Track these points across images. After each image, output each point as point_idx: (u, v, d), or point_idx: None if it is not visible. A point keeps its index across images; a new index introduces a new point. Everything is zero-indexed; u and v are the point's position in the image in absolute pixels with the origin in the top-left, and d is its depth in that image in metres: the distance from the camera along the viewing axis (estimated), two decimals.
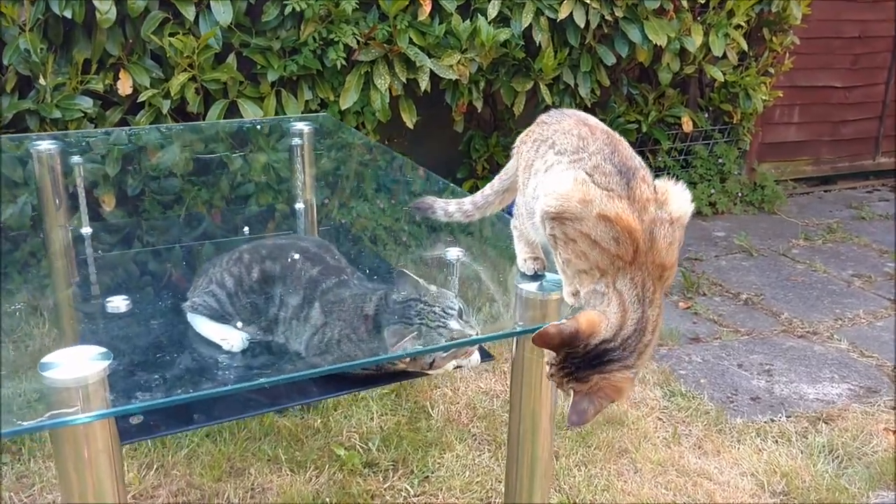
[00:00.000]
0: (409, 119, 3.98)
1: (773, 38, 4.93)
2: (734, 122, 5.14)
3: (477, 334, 1.56)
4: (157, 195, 3.45)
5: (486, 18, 3.91)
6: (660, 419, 2.93)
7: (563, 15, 4.05)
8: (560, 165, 1.37)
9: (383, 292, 1.60)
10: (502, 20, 4.01)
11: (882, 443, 2.81)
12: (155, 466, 2.56)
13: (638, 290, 1.30)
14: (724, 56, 4.63)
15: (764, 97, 4.94)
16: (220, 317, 1.69)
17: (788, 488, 2.57)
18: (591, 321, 1.32)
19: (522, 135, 1.55)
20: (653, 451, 2.72)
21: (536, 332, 1.31)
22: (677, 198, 1.35)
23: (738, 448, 2.77)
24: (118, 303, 1.58)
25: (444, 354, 1.57)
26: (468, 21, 3.91)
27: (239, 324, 1.67)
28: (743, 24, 4.61)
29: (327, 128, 2.95)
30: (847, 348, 3.55)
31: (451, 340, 1.50)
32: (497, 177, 1.68)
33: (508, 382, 3.06)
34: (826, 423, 2.95)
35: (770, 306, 3.96)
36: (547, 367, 1.36)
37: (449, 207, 1.73)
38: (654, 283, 1.31)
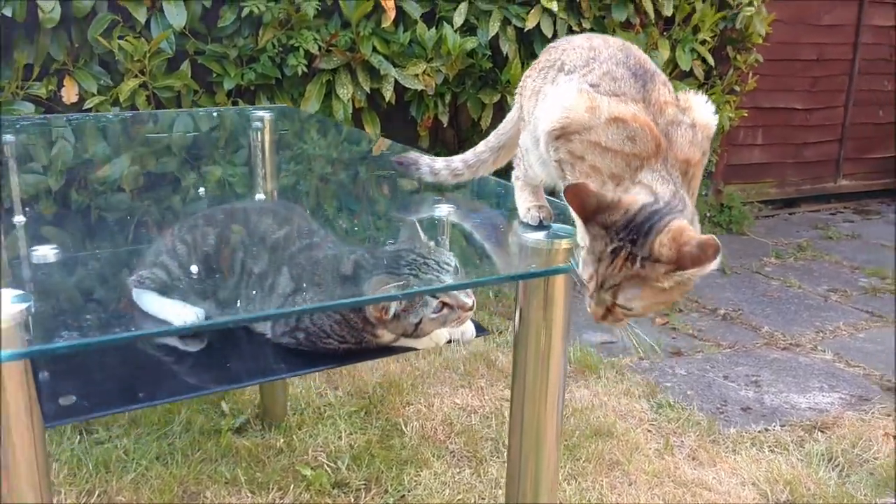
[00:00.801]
0: (373, 132, 3.81)
1: (738, 57, 4.91)
2: None
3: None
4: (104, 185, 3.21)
5: (452, 27, 3.78)
6: (649, 430, 2.75)
7: (530, 25, 3.94)
8: (570, 84, 1.20)
9: (364, 251, 1.40)
10: (469, 29, 3.89)
11: (883, 448, 2.66)
12: (97, 493, 2.28)
13: (665, 175, 1.13)
14: (691, 72, 4.57)
15: (730, 115, 4.89)
16: (171, 290, 1.46)
17: (793, 497, 2.39)
18: (628, 198, 1.13)
19: (526, 71, 1.38)
20: (646, 462, 2.53)
21: (571, 184, 1.12)
22: (700, 107, 1.20)
23: (735, 458, 2.59)
24: (45, 252, 1.32)
25: (433, 315, 1.37)
26: (434, 29, 3.78)
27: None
28: (708, 39, 4.57)
29: (289, 115, 2.75)
30: (832, 359, 3.43)
31: (443, 299, 1.31)
32: (493, 132, 1.50)
33: (486, 398, 2.85)
34: (822, 431, 2.80)
35: (749, 321, 3.83)
36: (589, 288, 1.14)
37: (436, 164, 1.54)
38: (681, 177, 1.14)
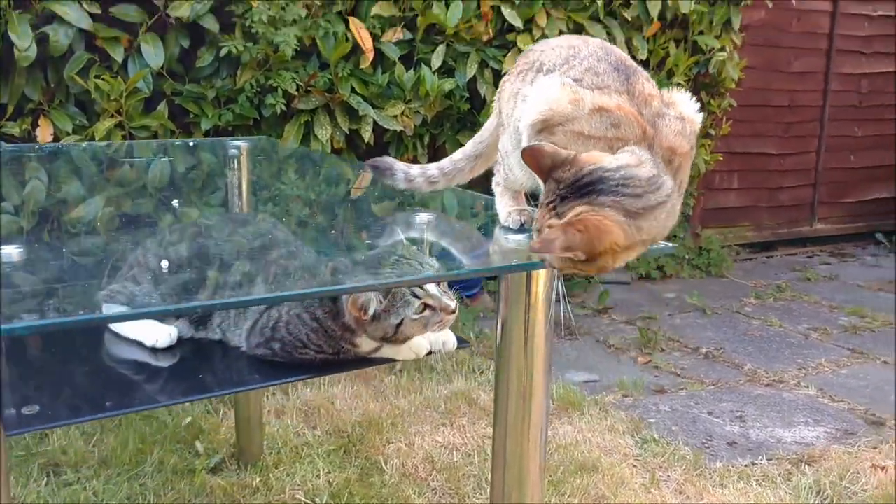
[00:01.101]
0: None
1: (712, 101, 4.99)
2: None
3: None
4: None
5: (431, 69, 3.81)
6: (634, 465, 2.69)
7: (507, 67, 3.99)
8: (552, 79, 1.19)
9: (342, 258, 1.36)
10: (447, 71, 3.93)
11: (871, 480, 2.62)
12: None
13: (645, 156, 1.11)
14: None
15: (706, 158, 4.95)
16: (143, 306, 1.41)
17: None
18: (592, 155, 1.10)
19: (505, 76, 1.38)
20: (632, 496, 2.47)
21: (528, 146, 1.13)
22: (685, 103, 1.19)
23: (722, 491, 2.54)
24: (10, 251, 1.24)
25: (415, 316, 1.33)
26: (412, 71, 3.81)
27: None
28: (683, 83, 4.64)
29: (266, 146, 2.74)
30: (816, 394, 3.40)
31: (425, 300, 1.27)
32: (470, 140, 1.48)
33: (468, 436, 2.79)
34: (809, 464, 2.76)
35: (731, 359, 3.81)
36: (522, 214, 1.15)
37: (411, 171, 1.51)
38: (666, 165, 1.13)
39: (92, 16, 3.26)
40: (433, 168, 1.50)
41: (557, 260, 1.09)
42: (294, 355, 1.36)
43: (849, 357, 3.86)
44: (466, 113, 4.03)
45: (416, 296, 1.33)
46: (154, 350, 1.33)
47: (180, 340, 1.40)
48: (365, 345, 1.38)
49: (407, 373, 3.32)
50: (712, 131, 5.07)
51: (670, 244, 1.31)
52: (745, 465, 2.74)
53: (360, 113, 3.70)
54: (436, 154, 4.36)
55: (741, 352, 3.90)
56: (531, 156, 1.10)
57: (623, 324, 4.25)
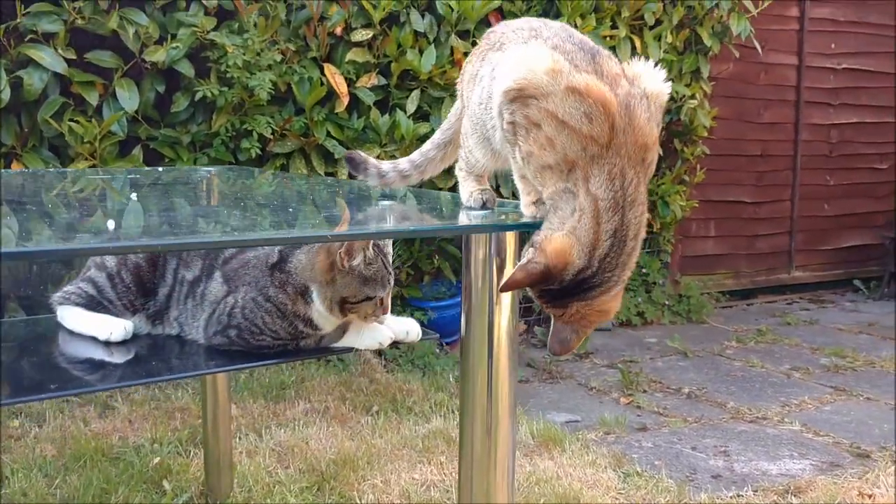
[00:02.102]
0: None
1: (685, 149, 5.06)
2: (654, 230, 5.14)
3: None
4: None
5: (406, 113, 3.85)
6: (617, 498, 2.62)
7: None
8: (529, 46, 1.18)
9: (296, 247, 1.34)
10: (421, 116, 3.97)
11: None
12: None
13: (616, 187, 1.10)
14: None
15: (682, 203, 4.99)
16: (98, 305, 1.37)
17: None
18: (559, 251, 1.11)
19: (466, 59, 1.38)
20: None
21: (503, 283, 1.17)
22: (649, 76, 1.18)
23: None
24: None
25: (380, 299, 1.30)
26: (387, 115, 3.85)
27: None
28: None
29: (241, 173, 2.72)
30: (800, 429, 3.35)
31: (382, 298, 1.25)
32: (438, 129, 1.47)
33: (447, 472, 2.72)
34: (795, 495, 2.69)
35: (714, 398, 3.76)
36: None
37: (382, 166, 1.50)
38: (636, 174, 1.11)
39: (67, 61, 3.28)
40: (404, 162, 1.49)
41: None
42: (251, 342, 1.31)
43: (832, 394, 3.82)
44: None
45: (388, 284, 1.32)
46: (108, 345, 1.29)
47: (137, 337, 1.36)
48: (321, 322, 1.34)
49: (384, 413, 3.25)
50: (687, 178, 5.14)
51: None
52: (731, 497, 2.68)
53: (336, 156, 3.72)
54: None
55: (724, 391, 3.86)
56: (512, 288, 1.16)
57: (604, 367, 4.20)
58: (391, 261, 1.34)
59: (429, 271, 4.36)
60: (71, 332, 1.34)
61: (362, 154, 1.54)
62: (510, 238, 1.21)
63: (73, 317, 1.36)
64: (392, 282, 1.33)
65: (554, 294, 1.15)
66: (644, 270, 5.17)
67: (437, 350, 4.14)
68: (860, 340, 4.83)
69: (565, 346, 1.19)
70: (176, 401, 3.29)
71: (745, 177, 5.88)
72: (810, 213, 6.20)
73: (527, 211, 1.20)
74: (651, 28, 4.53)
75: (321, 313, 1.33)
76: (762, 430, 3.33)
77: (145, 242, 1.03)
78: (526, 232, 1.18)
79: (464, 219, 1.28)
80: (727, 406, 3.64)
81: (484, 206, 1.29)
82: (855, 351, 4.50)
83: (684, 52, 4.81)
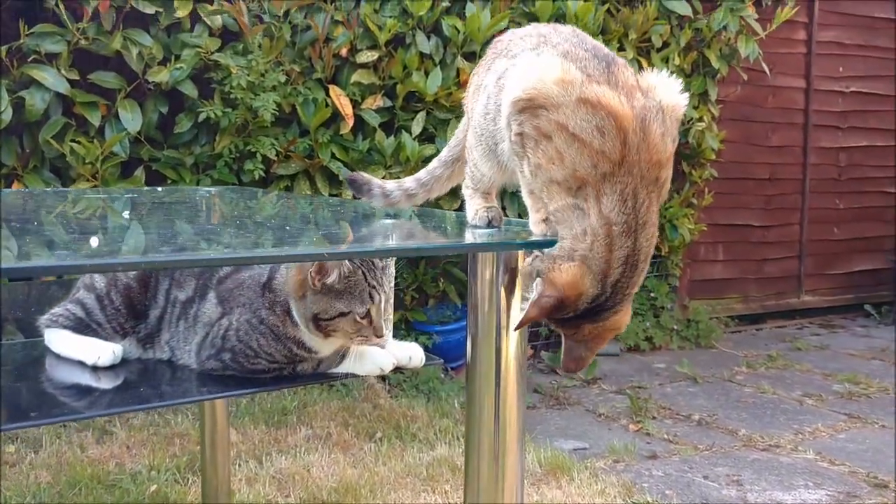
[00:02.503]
0: None
1: (693, 172, 5.01)
2: (662, 254, 5.08)
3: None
4: None
5: (411, 135, 3.81)
6: None
7: None
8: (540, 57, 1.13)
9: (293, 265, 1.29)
10: (427, 138, 3.93)
11: None
12: None
13: (628, 209, 1.05)
14: None
15: (690, 227, 4.93)
16: (87, 327, 1.32)
17: None
18: (570, 283, 1.08)
19: (472, 72, 1.33)
20: None
21: (518, 322, 1.14)
22: (665, 87, 1.12)
23: None
24: None
25: (360, 319, 1.24)
26: (392, 137, 3.81)
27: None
28: None
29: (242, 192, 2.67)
30: (815, 458, 3.27)
31: (372, 308, 1.19)
32: (445, 146, 1.42)
33: (452, 501, 2.64)
34: None
35: (725, 425, 3.68)
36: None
37: (387, 186, 1.44)
38: (648, 193, 1.06)
39: (70, 82, 3.26)
40: (410, 181, 1.43)
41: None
42: (246, 366, 1.26)
43: (846, 422, 3.74)
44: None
45: (371, 299, 1.24)
46: (96, 369, 1.23)
47: (126, 362, 1.30)
48: (315, 345, 1.27)
49: (388, 440, 3.18)
50: (695, 201, 5.08)
51: None
52: None
53: (341, 178, 3.68)
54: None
55: (735, 418, 3.77)
56: (528, 322, 1.12)
57: (613, 393, 4.12)
58: (391, 278, 1.28)
59: (434, 295, 4.31)
60: (58, 357, 1.28)
61: (365, 175, 1.49)
62: (518, 258, 1.15)
63: (60, 340, 1.31)
64: (381, 298, 1.25)
65: (566, 319, 1.12)
66: (652, 294, 5.10)
67: (442, 375, 4.07)
68: (873, 366, 4.74)
69: (580, 364, 1.18)
70: (175, 426, 3.22)
71: (753, 200, 5.82)
72: (820, 237, 6.13)
73: (536, 229, 1.14)
74: (658, 50, 4.50)
75: (307, 333, 1.27)
76: (776, 459, 3.25)
77: (137, 259, 0.97)
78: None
79: (469, 237, 1.22)
80: (739, 433, 3.56)
81: (490, 224, 1.23)
82: (868, 377, 4.41)
83: (692, 74, 4.78)
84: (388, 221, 1.40)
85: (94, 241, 0.95)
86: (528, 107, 1.07)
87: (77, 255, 0.97)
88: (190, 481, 2.71)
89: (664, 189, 1.11)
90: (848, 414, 3.84)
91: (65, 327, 1.31)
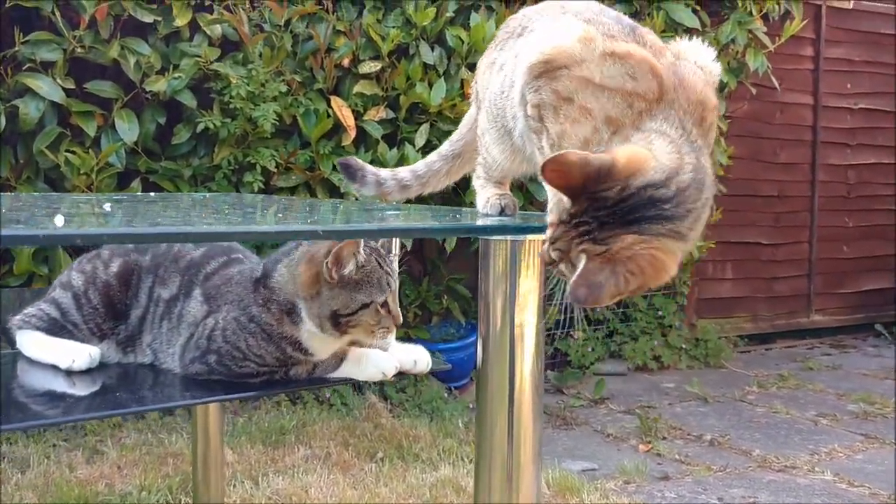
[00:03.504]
0: None
1: None
2: None
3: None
4: None
5: (414, 147, 3.73)
6: None
7: None
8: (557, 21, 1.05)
9: (290, 251, 1.19)
10: (431, 150, 3.82)
11: None
12: None
13: (680, 131, 0.93)
14: None
15: (698, 243, 4.83)
16: (62, 329, 1.22)
17: None
18: (633, 157, 0.91)
19: (481, 58, 1.24)
20: None
21: (550, 158, 0.90)
22: (696, 52, 1.04)
23: None
24: None
25: (380, 308, 1.14)
26: (395, 149, 3.73)
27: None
28: None
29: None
30: (833, 479, 3.15)
31: (389, 297, 1.09)
32: (447, 140, 1.33)
33: None
34: None
35: (738, 445, 3.56)
36: (548, 234, 0.93)
37: (381, 174, 1.35)
38: (699, 133, 0.95)
39: (66, 91, 3.18)
40: (405, 171, 1.35)
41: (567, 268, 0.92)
42: (233, 369, 1.15)
43: (863, 442, 3.62)
44: (451, 193, 3.92)
45: (389, 286, 1.15)
46: (70, 374, 1.13)
47: (105, 366, 1.20)
48: (313, 346, 1.17)
49: (389, 460, 3.06)
50: None
51: None
52: None
53: (342, 190, 3.59)
54: (422, 246, 4.24)
55: (748, 438, 3.65)
56: (555, 171, 0.88)
57: (621, 413, 4.01)
58: (396, 266, 1.19)
59: (437, 312, 4.20)
60: (31, 361, 1.19)
61: (359, 160, 1.40)
62: (534, 247, 1.05)
63: (32, 343, 1.21)
64: (396, 285, 1.17)
65: (602, 219, 0.89)
66: (660, 313, 5.00)
67: (446, 395, 3.96)
68: (887, 386, 4.62)
69: (595, 294, 0.90)
70: (169, 445, 3.11)
71: (761, 218, 5.73)
72: (829, 256, 6.03)
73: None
74: None
75: (313, 333, 1.17)
76: (792, 480, 3.13)
77: (145, 231, 0.87)
78: None
79: (483, 219, 1.12)
80: (753, 454, 3.44)
81: (502, 213, 1.14)
82: (883, 397, 4.29)
83: None
84: (390, 212, 1.30)
85: (58, 220, 0.86)
86: (547, 70, 0.98)
87: (79, 226, 0.87)
88: (182, 502, 2.60)
89: (710, 137, 1.00)
90: (864, 434, 3.72)
91: (38, 328, 1.22)
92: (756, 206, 5.69)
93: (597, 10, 1.07)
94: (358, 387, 3.81)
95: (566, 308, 0.98)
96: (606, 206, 0.90)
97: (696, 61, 1.02)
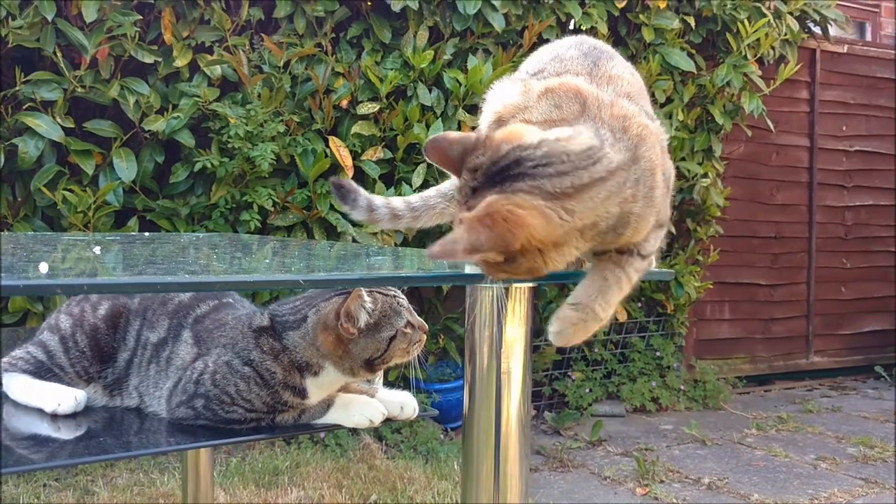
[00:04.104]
0: None
1: (698, 228, 4.94)
2: (668, 311, 4.97)
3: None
4: None
5: (412, 187, 3.74)
6: None
7: None
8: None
9: (285, 303, 1.19)
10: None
11: None
12: None
13: (588, 128, 1.00)
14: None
15: (696, 284, 4.83)
16: (48, 372, 1.21)
17: None
18: (512, 130, 0.97)
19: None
20: None
21: (430, 138, 0.98)
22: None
23: None
24: None
25: (406, 329, 1.15)
26: (392, 189, 3.75)
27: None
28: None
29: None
30: None
31: (408, 322, 1.10)
32: (450, 179, 1.33)
33: None
34: None
35: (736, 489, 3.52)
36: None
37: (375, 200, 1.35)
38: (613, 134, 1.00)
39: (65, 130, 3.21)
40: (398, 201, 1.34)
41: (482, 265, 0.95)
42: (220, 414, 1.14)
43: (863, 487, 3.58)
44: (448, 232, 3.93)
45: (402, 306, 1.16)
46: (56, 418, 1.12)
47: (91, 410, 1.19)
48: (312, 391, 1.17)
49: (382, 503, 3.02)
50: (700, 258, 4.99)
51: (665, 271, 1.14)
52: None
53: (339, 230, 3.60)
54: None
55: (746, 482, 3.61)
56: (434, 148, 0.96)
57: (619, 455, 3.97)
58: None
59: (433, 352, 4.19)
60: (16, 404, 1.18)
61: (353, 184, 1.39)
62: (522, 294, 1.05)
63: (18, 386, 1.20)
64: (404, 299, 1.18)
65: (475, 186, 0.94)
66: (658, 354, 4.98)
67: (442, 436, 3.93)
68: (887, 429, 4.58)
69: (448, 249, 0.93)
70: (161, 486, 3.08)
71: (759, 259, 5.73)
72: (828, 297, 6.02)
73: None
74: (662, 106, 4.47)
75: (317, 391, 1.17)
76: None
77: (145, 281, 0.87)
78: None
79: (469, 270, 1.13)
80: (751, 498, 3.40)
81: None
82: (884, 441, 4.26)
83: (696, 130, 4.74)
84: (379, 258, 1.30)
85: (42, 267, 0.86)
86: (500, 122, 1.06)
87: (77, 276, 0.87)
88: None
89: (641, 149, 1.00)
90: (864, 478, 3.68)
91: (24, 371, 1.21)
92: (753, 247, 5.70)
93: (572, 44, 1.17)
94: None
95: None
96: (480, 173, 0.94)
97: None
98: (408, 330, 1.19)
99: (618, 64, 1.11)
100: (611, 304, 1.06)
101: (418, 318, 1.21)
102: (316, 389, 1.17)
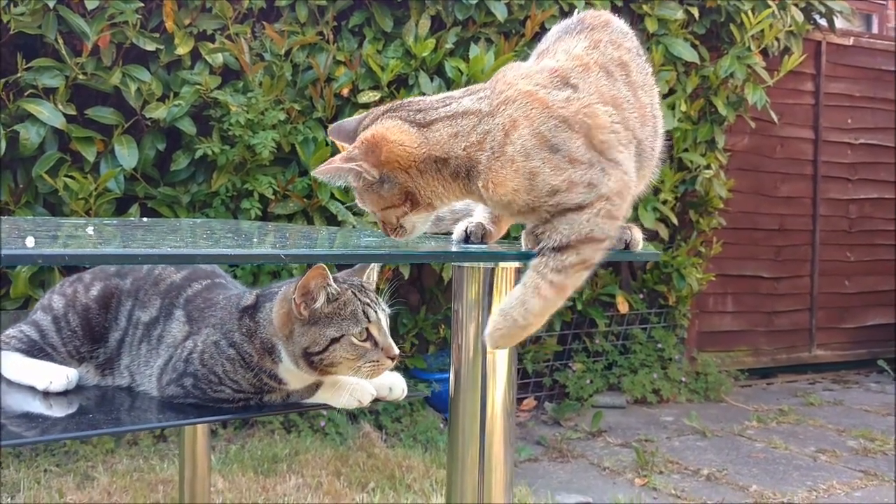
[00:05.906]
0: None
1: (700, 220, 4.92)
2: (670, 303, 4.96)
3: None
4: None
5: None
6: None
7: None
8: None
9: (278, 285, 1.19)
10: None
11: None
12: None
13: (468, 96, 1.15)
14: (657, 235, 4.54)
15: (699, 276, 4.82)
16: (40, 351, 1.22)
17: None
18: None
19: None
20: None
21: (332, 125, 1.17)
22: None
23: None
24: None
25: (356, 341, 1.13)
26: None
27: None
28: (670, 199, 4.58)
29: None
30: None
31: (371, 328, 1.09)
32: None
33: None
34: None
35: (735, 481, 3.52)
36: None
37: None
38: (483, 95, 1.14)
39: (67, 117, 3.21)
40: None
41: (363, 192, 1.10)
42: (208, 393, 1.15)
43: (862, 479, 3.57)
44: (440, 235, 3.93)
45: (366, 316, 1.14)
46: (47, 395, 1.13)
47: (83, 388, 1.20)
48: (290, 378, 1.17)
49: (381, 490, 3.03)
50: (703, 250, 4.98)
51: (652, 252, 1.13)
52: None
53: (340, 219, 3.60)
54: (420, 270, 4.24)
55: (745, 474, 3.61)
56: (336, 129, 1.13)
57: (618, 446, 3.97)
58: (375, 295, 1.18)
59: (434, 341, 4.19)
60: (9, 382, 1.19)
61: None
62: (508, 275, 1.05)
63: (10, 364, 1.21)
64: (380, 316, 1.15)
65: None
66: (660, 346, 4.97)
67: (441, 425, 3.93)
68: (889, 423, 4.57)
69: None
70: (160, 472, 3.09)
71: (762, 251, 5.71)
72: (831, 290, 6.00)
73: (522, 240, 1.06)
74: (665, 97, 4.45)
75: (291, 371, 1.16)
76: None
77: (148, 252, 0.87)
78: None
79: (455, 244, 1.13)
80: (750, 490, 3.40)
81: (467, 240, 1.14)
82: (884, 434, 4.25)
83: (699, 121, 4.72)
84: (370, 240, 1.31)
85: (29, 241, 0.86)
86: None
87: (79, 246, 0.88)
88: None
89: (508, 109, 1.06)
90: (864, 471, 3.68)
91: (17, 350, 1.22)
92: (757, 240, 5.68)
93: (565, 24, 1.22)
94: (353, 416, 3.79)
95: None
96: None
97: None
98: (362, 343, 1.14)
99: (578, 44, 1.12)
100: (532, 312, 1.01)
101: (390, 340, 1.15)
102: (290, 377, 1.17)
